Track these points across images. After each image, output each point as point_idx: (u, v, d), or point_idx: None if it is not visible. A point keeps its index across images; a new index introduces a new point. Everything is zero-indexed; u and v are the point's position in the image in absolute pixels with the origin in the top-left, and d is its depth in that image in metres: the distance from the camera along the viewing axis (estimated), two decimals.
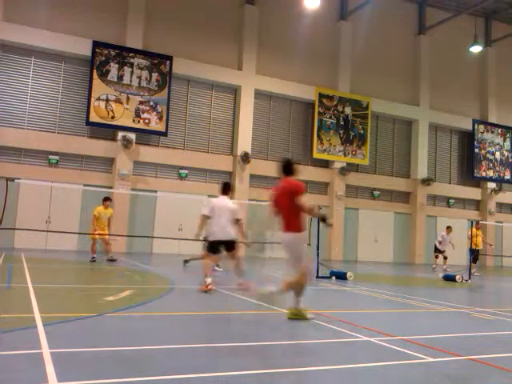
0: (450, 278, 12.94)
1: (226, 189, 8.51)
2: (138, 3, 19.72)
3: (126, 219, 18.76)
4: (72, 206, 18.44)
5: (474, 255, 15.94)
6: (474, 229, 15.83)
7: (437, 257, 18.72)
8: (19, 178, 14.62)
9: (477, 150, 27.68)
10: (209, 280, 7.84)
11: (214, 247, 8.16)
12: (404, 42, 26.11)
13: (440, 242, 18.52)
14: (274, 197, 5.91)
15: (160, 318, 5.45)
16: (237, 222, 8.27)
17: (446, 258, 18.42)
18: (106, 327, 4.74)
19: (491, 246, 19.09)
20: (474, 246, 15.66)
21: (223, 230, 8.06)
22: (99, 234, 13.06)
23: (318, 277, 11.36)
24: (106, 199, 13.49)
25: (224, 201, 8.36)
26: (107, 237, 13.29)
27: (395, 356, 4.08)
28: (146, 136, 19.98)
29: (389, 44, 25.39)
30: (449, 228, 18.68)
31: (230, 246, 8.11)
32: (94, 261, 12.96)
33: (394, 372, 3.61)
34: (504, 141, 28.82)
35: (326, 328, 5.14)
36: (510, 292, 12.34)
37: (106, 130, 19.23)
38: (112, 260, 13.13)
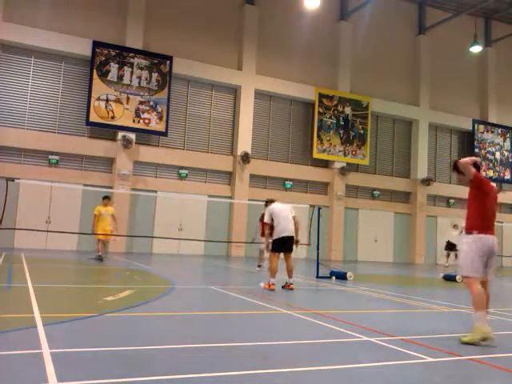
0: (450, 278, 12.93)
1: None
2: (137, 3, 19.74)
3: (126, 219, 18.75)
4: (72, 206, 18.44)
5: None
6: None
7: (448, 255, 17.52)
8: (19, 178, 14.61)
9: (477, 150, 27.68)
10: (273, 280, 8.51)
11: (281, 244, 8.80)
12: (404, 42, 26.11)
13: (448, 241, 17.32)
14: (491, 193, 5.43)
15: (160, 318, 5.45)
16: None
17: (457, 255, 17.65)
18: (106, 327, 4.74)
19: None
20: None
21: (288, 227, 8.76)
22: (102, 235, 13.14)
23: (317, 277, 11.36)
24: (104, 198, 13.71)
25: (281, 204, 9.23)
26: (109, 237, 13.42)
27: (395, 356, 4.07)
28: (146, 136, 19.99)
29: (389, 44, 25.40)
30: (456, 226, 17.96)
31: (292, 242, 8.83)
32: (101, 259, 13.16)
33: (394, 372, 3.60)
34: (504, 141, 28.83)
35: (326, 328, 5.13)
36: (510, 292, 12.34)
37: (106, 130, 19.24)
38: (99, 259, 13.18)
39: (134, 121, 19.34)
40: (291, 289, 8.54)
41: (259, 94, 22.17)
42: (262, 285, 8.65)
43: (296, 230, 8.88)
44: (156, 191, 19.66)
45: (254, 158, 21.50)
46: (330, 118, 23.62)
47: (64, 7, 18.76)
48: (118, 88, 19.19)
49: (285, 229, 8.68)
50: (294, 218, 8.90)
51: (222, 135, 21.71)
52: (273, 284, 8.42)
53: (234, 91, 21.95)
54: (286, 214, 8.83)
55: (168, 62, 20.07)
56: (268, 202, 9.54)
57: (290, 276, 8.71)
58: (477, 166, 5.34)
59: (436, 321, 6.26)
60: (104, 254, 13.45)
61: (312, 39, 23.30)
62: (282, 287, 8.62)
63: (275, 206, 9.03)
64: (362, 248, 24.48)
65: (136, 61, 19.59)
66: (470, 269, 4.98)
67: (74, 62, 19.09)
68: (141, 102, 19.55)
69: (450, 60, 27.04)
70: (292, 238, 8.77)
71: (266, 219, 8.92)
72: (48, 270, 10.61)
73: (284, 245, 8.69)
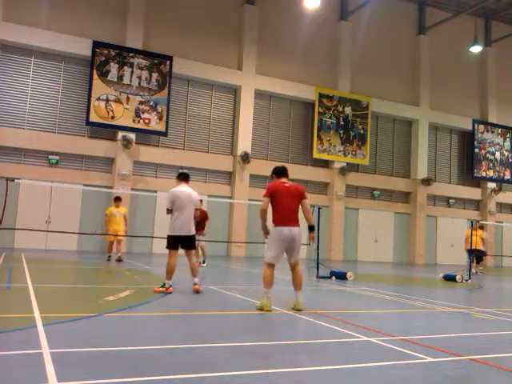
0: (450, 278, 12.94)
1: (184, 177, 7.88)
2: (138, 3, 19.73)
3: None
4: (72, 206, 18.44)
5: (477, 255, 15.83)
6: (468, 230, 15.73)
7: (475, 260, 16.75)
8: (19, 178, 14.60)
9: (477, 150, 27.69)
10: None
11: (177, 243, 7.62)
12: (404, 42, 26.11)
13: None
14: (279, 193, 6.25)
15: (160, 318, 5.45)
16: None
17: (482, 259, 17.22)
18: (105, 327, 4.74)
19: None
20: (473, 246, 15.56)
21: (187, 224, 7.53)
22: (114, 235, 13.18)
23: (318, 277, 11.36)
24: (116, 199, 13.72)
25: (188, 191, 7.70)
26: (120, 237, 13.43)
27: (395, 356, 4.07)
28: (146, 136, 19.98)
29: (389, 44, 25.39)
30: (481, 227, 17.44)
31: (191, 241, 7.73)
32: (110, 260, 13.39)
33: (393, 372, 3.60)
34: (504, 141, 28.83)
35: (326, 328, 5.13)
36: (510, 292, 12.34)
37: (106, 130, 19.23)
38: (119, 260, 13.26)
39: (134, 121, 19.34)
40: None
41: (259, 94, 22.16)
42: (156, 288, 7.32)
43: None
44: (156, 191, 19.65)
45: (254, 158, 21.50)
46: (330, 118, 23.62)
47: (64, 7, 18.76)
48: (118, 88, 19.18)
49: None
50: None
51: (222, 135, 21.71)
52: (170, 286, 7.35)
53: (234, 91, 21.95)
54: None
55: (168, 62, 20.07)
56: (183, 177, 7.95)
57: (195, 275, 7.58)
58: (277, 171, 6.51)
59: (436, 321, 6.26)
60: (118, 257, 13.42)
61: (312, 39, 23.30)
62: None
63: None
64: (362, 248, 24.48)
65: (136, 61, 19.58)
66: (269, 256, 6.18)
67: (74, 62, 19.08)
68: (141, 102, 19.55)
69: (450, 60, 27.04)
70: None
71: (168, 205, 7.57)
72: (48, 270, 10.61)
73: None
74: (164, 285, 7.34)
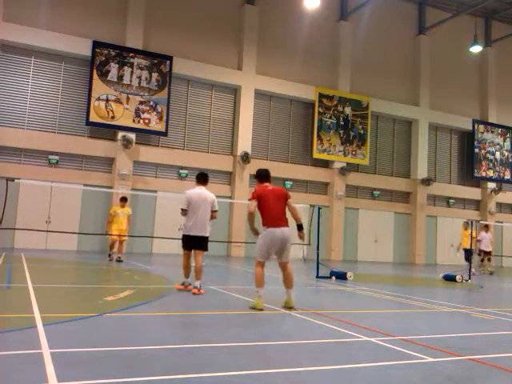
0: (450, 278, 12.94)
1: (203, 179, 7.87)
2: (138, 3, 19.74)
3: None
4: (72, 206, 18.44)
5: (466, 254, 15.93)
6: (467, 230, 15.92)
7: (483, 259, 17.39)
8: (19, 178, 14.60)
9: (477, 150, 27.69)
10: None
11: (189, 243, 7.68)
12: (404, 42, 26.12)
13: (479, 241, 17.20)
14: (266, 196, 6.44)
15: (160, 318, 5.45)
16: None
17: (489, 259, 17.45)
18: (105, 327, 4.74)
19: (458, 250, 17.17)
20: (467, 246, 15.67)
21: (199, 224, 7.52)
22: (117, 235, 13.15)
23: (318, 277, 11.36)
24: (122, 199, 13.73)
25: (202, 192, 7.70)
26: (124, 237, 13.42)
27: (395, 356, 4.07)
28: (146, 136, 19.98)
29: (389, 44, 25.40)
30: (487, 226, 17.54)
31: (202, 242, 7.65)
32: (112, 259, 13.34)
33: (394, 372, 3.60)
34: (504, 141, 28.83)
35: (326, 328, 5.13)
36: (509, 292, 12.34)
37: (106, 130, 19.23)
38: (119, 261, 13.23)
39: (134, 121, 19.34)
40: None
41: (259, 94, 22.16)
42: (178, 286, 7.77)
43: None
44: (156, 191, 19.65)
45: (253, 158, 21.50)
46: (330, 118, 23.62)
47: (64, 7, 18.76)
48: (118, 88, 19.19)
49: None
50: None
51: (222, 135, 21.71)
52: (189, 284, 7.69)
53: (234, 91, 21.95)
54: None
55: (168, 62, 20.07)
56: (200, 178, 7.86)
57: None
58: (261, 175, 6.72)
59: (436, 321, 6.26)
60: (118, 257, 13.39)
61: (312, 39, 23.30)
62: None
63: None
64: (362, 248, 24.48)
65: (136, 61, 19.58)
66: (259, 254, 6.36)
67: (74, 62, 19.09)
68: (141, 102, 19.55)
69: (450, 60, 27.04)
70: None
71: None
72: (48, 270, 10.61)
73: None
74: (183, 283, 7.77)
